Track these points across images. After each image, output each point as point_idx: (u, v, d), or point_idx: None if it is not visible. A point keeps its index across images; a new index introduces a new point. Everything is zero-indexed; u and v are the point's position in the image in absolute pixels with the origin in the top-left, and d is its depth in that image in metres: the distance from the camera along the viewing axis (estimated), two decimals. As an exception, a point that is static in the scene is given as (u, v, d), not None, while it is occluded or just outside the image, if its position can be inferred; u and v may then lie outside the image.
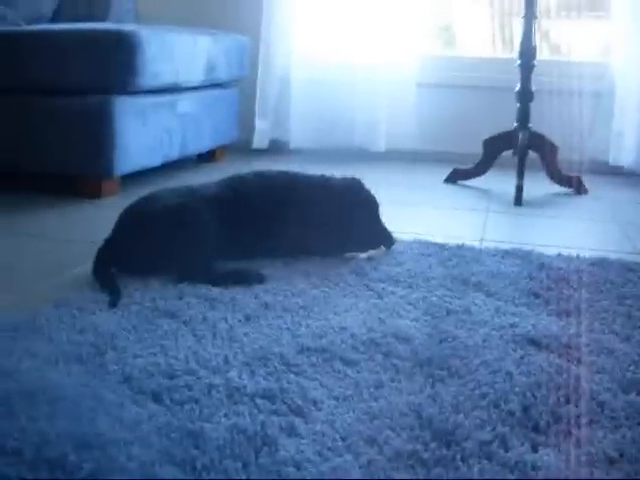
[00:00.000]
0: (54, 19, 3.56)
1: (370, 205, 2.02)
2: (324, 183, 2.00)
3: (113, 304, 1.58)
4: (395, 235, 2.14)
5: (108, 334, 1.41)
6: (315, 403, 1.17)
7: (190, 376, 1.25)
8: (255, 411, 1.14)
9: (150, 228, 1.78)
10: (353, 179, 2.03)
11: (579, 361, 1.37)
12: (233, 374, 1.26)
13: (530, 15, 2.94)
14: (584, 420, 1.15)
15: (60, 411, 1.10)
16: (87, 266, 1.81)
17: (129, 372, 1.26)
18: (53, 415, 1.09)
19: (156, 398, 1.18)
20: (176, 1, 3.95)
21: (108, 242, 1.80)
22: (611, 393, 1.24)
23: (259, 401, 1.17)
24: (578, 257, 2.03)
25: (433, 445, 1.06)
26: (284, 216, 1.92)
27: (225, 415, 1.13)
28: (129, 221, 1.82)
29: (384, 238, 2.03)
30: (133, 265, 1.77)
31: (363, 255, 1.99)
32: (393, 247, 2.03)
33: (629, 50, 3.46)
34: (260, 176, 2.01)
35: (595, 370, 1.33)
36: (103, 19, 3.58)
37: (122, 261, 1.77)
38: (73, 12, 3.62)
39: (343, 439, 1.08)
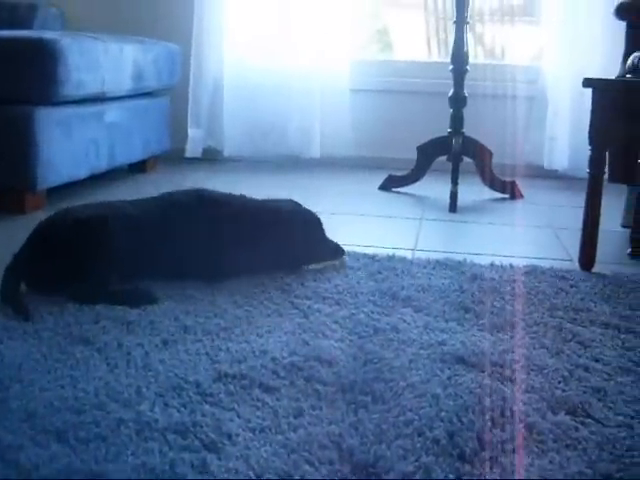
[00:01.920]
0: (-25, 26, 3.43)
1: (308, 223, 1.97)
2: (257, 203, 1.96)
3: (26, 319, 1.54)
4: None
5: (15, 365, 1.33)
6: (230, 437, 1.10)
7: (99, 411, 1.17)
8: (165, 448, 1.07)
9: (49, 245, 1.72)
10: (289, 200, 2.00)
11: (508, 380, 1.32)
12: (145, 407, 1.18)
13: (461, 20, 2.92)
14: (511, 446, 1.10)
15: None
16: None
17: (33, 408, 1.17)
18: (-59, 463, 1.01)
19: (60, 437, 1.09)
20: (106, 10, 3.84)
21: (15, 259, 1.72)
22: (540, 414, 1.20)
23: (170, 436, 1.10)
24: (511, 266, 2.00)
25: (353, 480, 1.01)
26: (209, 235, 1.85)
27: (133, 453, 1.06)
28: (33, 238, 1.75)
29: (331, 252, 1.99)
30: (37, 283, 1.71)
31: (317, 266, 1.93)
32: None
33: (560, 54, 3.47)
34: (186, 194, 1.95)
35: (524, 389, 1.29)
36: (28, 26, 3.46)
37: (28, 278, 1.71)
38: (-4, 19, 3.50)
39: (258, 476, 1.01)
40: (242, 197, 1.97)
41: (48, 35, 2.65)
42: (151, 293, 1.69)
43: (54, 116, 2.63)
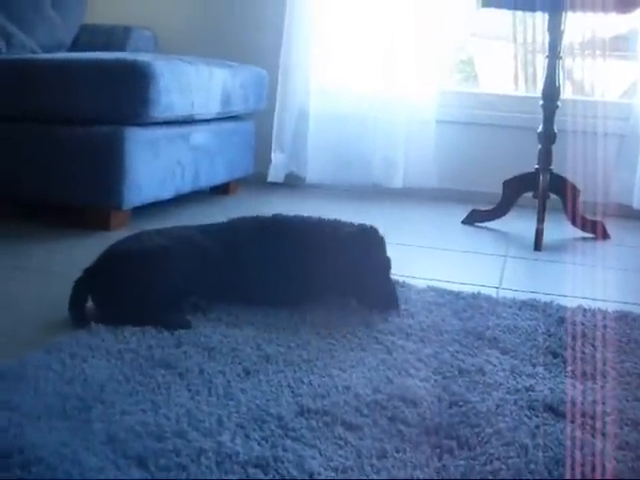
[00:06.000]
0: (73, 48, 3.53)
1: (379, 261, 1.87)
2: (330, 231, 1.89)
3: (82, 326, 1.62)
4: (408, 281, 2.06)
5: (97, 386, 1.33)
6: (312, 475, 1.08)
7: (180, 439, 1.16)
8: (246, 482, 1.05)
9: (112, 271, 1.73)
10: (370, 228, 1.88)
11: (600, 433, 1.26)
12: (226, 438, 1.17)
13: (554, 55, 2.86)
14: (605, 506, 1.05)
15: (33, 477, 1.02)
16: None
17: (114, 432, 1.17)
18: (26, 482, 1.01)
19: (141, 463, 1.09)
20: (196, 33, 3.91)
21: (86, 272, 1.74)
22: (636, 474, 1.14)
23: (251, 470, 1.08)
24: (600, 311, 1.93)
25: (437, 531, 0.97)
26: (278, 263, 1.85)
27: (213, 486, 1.04)
28: (104, 257, 1.76)
29: (387, 300, 1.85)
30: (102, 302, 1.73)
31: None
32: (405, 296, 1.93)
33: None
34: (255, 220, 1.95)
35: (618, 445, 1.23)
36: (121, 49, 3.54)
37: (95, 296, 1.73)
38: (92, 41, 3.60)
39: (340, 520, 0.99)
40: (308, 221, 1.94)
41: (141, 57, 2.70)
42: (187, 319, 1.68)
43: (143, 137, 2.67)
